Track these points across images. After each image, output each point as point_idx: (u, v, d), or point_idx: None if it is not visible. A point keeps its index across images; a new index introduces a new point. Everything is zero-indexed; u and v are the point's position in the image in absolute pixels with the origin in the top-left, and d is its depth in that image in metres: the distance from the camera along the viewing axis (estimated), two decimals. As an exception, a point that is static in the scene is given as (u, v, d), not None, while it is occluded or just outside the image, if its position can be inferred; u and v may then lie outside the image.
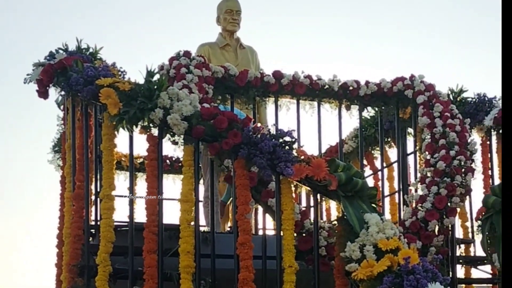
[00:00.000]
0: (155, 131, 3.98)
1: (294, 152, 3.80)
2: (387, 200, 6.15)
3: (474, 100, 5.87)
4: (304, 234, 4.22)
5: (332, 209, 6.63)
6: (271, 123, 5.74)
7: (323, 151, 6.00)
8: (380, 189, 5.86)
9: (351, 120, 5.74)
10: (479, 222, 4.16)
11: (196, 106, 3.85)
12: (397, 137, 5.71)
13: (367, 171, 6.48)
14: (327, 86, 5.46)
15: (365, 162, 6.40)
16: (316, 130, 5.59)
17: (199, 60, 5.08)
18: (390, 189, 6.25)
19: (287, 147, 3.80)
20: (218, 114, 3.82)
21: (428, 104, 5.38)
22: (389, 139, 6.17)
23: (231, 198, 5.63)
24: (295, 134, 3.91)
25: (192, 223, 3.94)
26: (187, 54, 5.10)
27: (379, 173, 6.05)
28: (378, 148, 6.24)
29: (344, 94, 5.51)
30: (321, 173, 3.78)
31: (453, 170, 4.91)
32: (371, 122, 6.31)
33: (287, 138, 3.83)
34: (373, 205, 3.94)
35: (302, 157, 3.81)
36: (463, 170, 4.95)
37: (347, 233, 3.77)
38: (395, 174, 6.00)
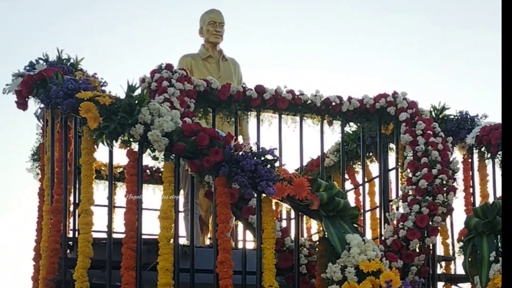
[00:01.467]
0: (135, 146, 3.93)
1: (275, 170, 3.76)
2: (368, 215, 6.13)
3: (456, 117, 5.87)
4: (284, 252, 4.18)
5: (313, 226, 6.60)
6: (253, 137, 5.72)
7: (304, 164, 5.99)
8: (361, 203, 5.85)
9: (333, 134, 5.71)
10: (461, 243, 4.15)
11: (177, 122, 3.80)
12: (379, 153, 5.70)
13: (348, 185, 6.46)
14: (309, 101, 5.43)
15: (346, 176, 6.38)
16: (298, 144, 5.56)
17: (181, 73, 5.03)
18: (371, 204, 6.23)
19: (268, 165, 3.76)
20: (199, 131, 3.77)
21: (411, 122, 5.37)
22: (371, 154, 6.16)
23: None
24: (277, 152, 3.88)
25: (171, 240, 3.89)
26: (169, 67, 5.05)
27: (361, 187, 6.03)
28: (359, 163, 6.22)
29: (326, 109, 5.48)
30: (303, 192, 3.75)
31: (435, 188, 4.91)
32: (353, 136, 6.29)
33: (269, 156, 3.79)
34: (355, 225, 3.91)
35: (284, 176, 3.77)
36: (445, 189, 4.94)
37: (328, 253, 3.73)
38: (376, 189, 5.99)
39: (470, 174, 5.81)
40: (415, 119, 5.37)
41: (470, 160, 5.83)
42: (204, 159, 3.72)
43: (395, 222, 4.97)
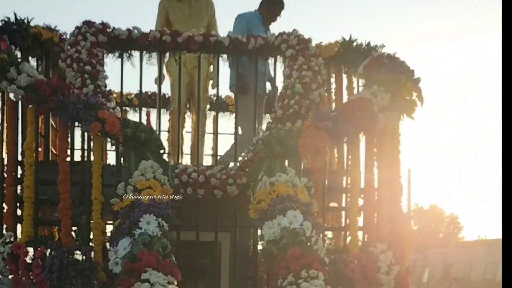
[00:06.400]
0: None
1: (96, 113, 5.05)
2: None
3: (359, 48, 6.50)
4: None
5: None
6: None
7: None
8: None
9: None
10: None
11: (35, 75, 5.16)
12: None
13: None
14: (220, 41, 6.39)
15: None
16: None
17: (99, 28, 6.26)
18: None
19: (91, 109, 5.06)
20: (43, 84, 5.13)
21: (295, 57, 6.15)
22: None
23: None
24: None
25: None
26: (87, 23, 6.30)
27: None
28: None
29: (234, 48, 6.42)
30: (114, 129, 5.02)
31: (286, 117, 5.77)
32: None
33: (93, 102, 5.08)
34: (161, 153, 5.13)
35: (101, 117, 5.05)
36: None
37: (127, 175, 5.00)
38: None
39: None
40: (299, 54, 6.16)
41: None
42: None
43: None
